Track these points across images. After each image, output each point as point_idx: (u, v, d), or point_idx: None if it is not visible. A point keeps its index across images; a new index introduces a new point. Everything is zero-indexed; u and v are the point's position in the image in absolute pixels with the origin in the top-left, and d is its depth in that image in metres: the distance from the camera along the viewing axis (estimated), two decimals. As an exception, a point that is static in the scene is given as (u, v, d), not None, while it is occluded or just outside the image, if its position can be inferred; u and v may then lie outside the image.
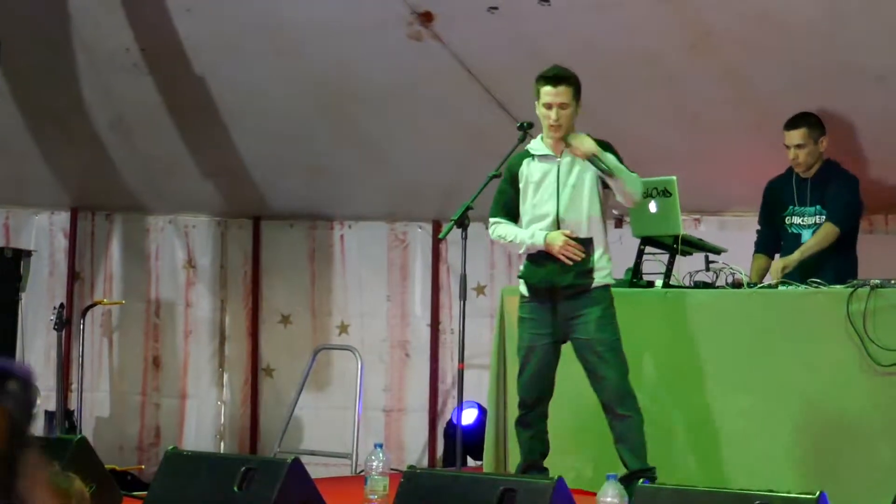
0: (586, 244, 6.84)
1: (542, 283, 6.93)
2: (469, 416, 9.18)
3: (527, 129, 7.02)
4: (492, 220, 7.11)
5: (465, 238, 6.89)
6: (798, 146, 7.84)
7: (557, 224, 6.87)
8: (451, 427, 9.62)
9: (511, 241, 7.01)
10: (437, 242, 10.42)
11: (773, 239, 8.05)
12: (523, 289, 7.05)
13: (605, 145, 6.87)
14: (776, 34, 8.08)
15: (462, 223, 6.85)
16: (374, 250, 10.70)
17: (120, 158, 10.30)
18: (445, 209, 9.83)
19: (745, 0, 7.96)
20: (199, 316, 10.89)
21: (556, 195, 6.89)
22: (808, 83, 8.27)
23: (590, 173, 6.86)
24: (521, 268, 7.08)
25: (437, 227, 10.42)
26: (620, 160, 6.86)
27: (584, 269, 6.84)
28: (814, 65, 8.19)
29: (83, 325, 10.00)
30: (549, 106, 6.86)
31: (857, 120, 8.42)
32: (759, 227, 8.15)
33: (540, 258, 6.92)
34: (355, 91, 9.43)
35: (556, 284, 6.87)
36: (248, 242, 10.91)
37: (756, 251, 8.08)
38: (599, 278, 6.88)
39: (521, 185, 7.02)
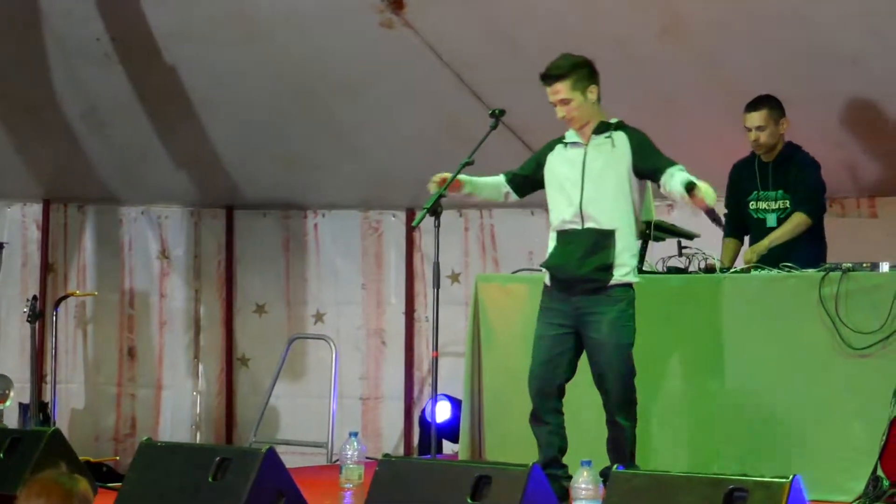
0: (607, 237, 6.67)
1: (559, 272, 6.78)
2: (443, 412, 9.16)
3: (499, 117, 7.00)
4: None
5: (437, 226, 6.83)
6: (759, 128, 7.81)
7: (580, 212, 6.72)
8: (426, 417, 9.62)
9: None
10: (410, 230, 10.41)
11: (741, 222, 8.06)
12: (546, 277, 6.89)
13: (639, 138, 6.77)
14: (747, 17, 8.09)
15: (435, 211, 6.79)
16: (348, 239, 10.69)
17: (92, 149, 10.28)
18: (419, 197, 9.76)
19: (718, -17, 7.99)
20: (174, 306, 10.88)
21: (581, 183, 6.74)
22: (780, 66, 8.27)
23: (621, 166, 6.71)
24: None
25: (410, 214, 10.41)
26: (655, 148, 6.76)
27: (605, 263, 6.67)
28: (786, 47, 8.20)
29: (56, 316, 9.97)
30: (553, 104, 6.77)
31: (830, 103, 8.43)
32: (727, 211, 8.16)
33: (562, 245, 6.78)
34: (327, 79, 9.43)
35: (574, 275, 6.71)
36: (222, 232, 10.89)
37: (725, 235, 8.09)
38: (619, 275, 6.68)
39: (545, 170, 6.91)
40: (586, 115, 6.76)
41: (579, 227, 6.72)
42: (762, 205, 7.91)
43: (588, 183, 6.72)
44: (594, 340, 6.70)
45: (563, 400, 6.84)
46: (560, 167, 6.85)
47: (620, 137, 6.76)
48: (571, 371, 6.80)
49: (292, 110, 9.74)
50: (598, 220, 6.69)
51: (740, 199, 8.01)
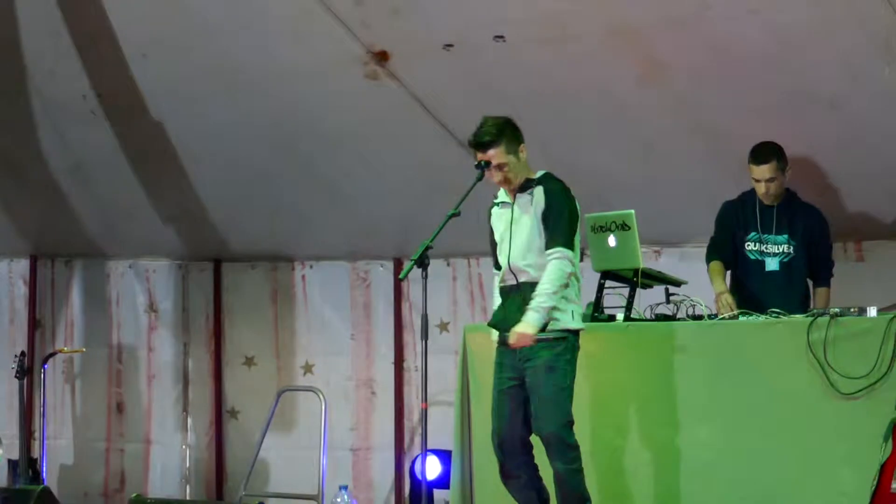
0: (534, 288, 6.85)
1: (501, 327, 6.99)
2: (432, 468, 9.10)
3: (485, 168, 7.01)
4: None
5: (425, 278, 6.85)
6: (769, 180, 7.86)
7: (510, 268, 6.99)
8: (416, 472, 9.58)
9: None
10: (398, 280, 10.41)
11: (730, 251, 8.03)
12: (494, 333, 7.11)
13: (550, 199, 6.91)
14: (727, 63, 8.11)
15: (422, 262, 6.82)
16: (336, 289, 10.67)
17: (79, 205, 10.28)
18: (406, 246, 9.84)
19: (695, 30, 8.00)
20: (162, 360, 10.85)
21: (509, 240, 6.99)
22: (761, 111, 8.30)
23: (539, 217, 6.92)
24: None
25: (398, 264, 10.41)
26: (557, 219, 6.87)
27: None
28: (766, 93, 8.23)
29: (45, 372, 9.95)
30: (478, 166, 6.95)
31: (812, 148, 8.45)
32: (713, 236, 8.14)
33: (502, 302, 7.03)
34: (313, 132, 9.44)
35: (510, 328, 6.88)
36: (210, 285, 10.88)
37: (712, 259, 8.08)
38: (555, 325, 6.86)
39: (493, 232, 7.17)
40: (519, 176, 6.99)
41: (514, 282, 6.98)
42: (762, 247, 7.92)
43: (515, 240, 6.96)
44: (529, 385, 6.87)
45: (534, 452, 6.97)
46: (495, 228, 7.14)
47: (538, 192, 6.96)
48: (527, 424, 6.95)
49: (278, 163, 9.75)
50: (529, 273, 6.91)
51: (735, 235, 8.00)
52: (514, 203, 7.01)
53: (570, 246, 6.88)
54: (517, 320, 6.83)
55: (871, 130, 8.32)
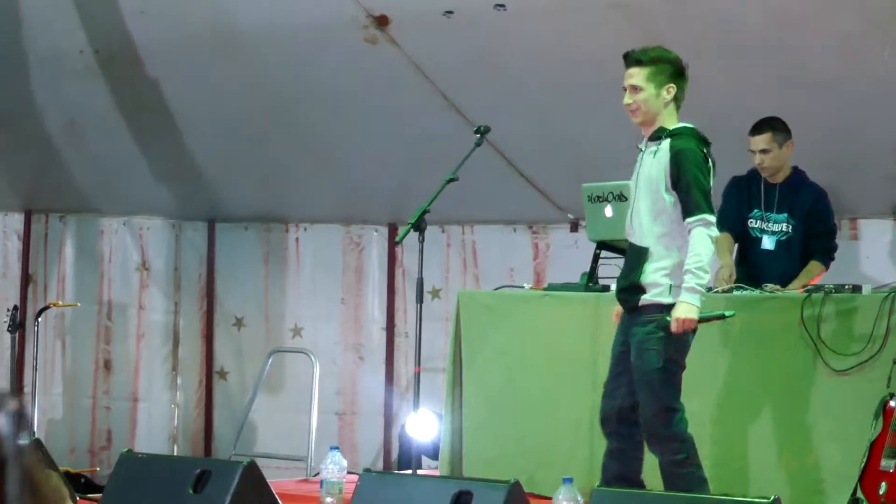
0: (640, 253, 6.26)
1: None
2: (427, 427, 8.95)
3: (484, 134, 7.02)
4: None
5: (422, 241, 6.83)
6: (763, 151, 7.78)
7: (631, 224, 6.36)
8: (407, 433, 9.56)
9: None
10: (392, 245, 10.41)
11: (738, 221, 7.89)
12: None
13: (678, 157, 6.17)
14: (725, 41, 8.13)
15: (419, 227, 6.79)
16: (329, 253, 10.67)
17: (73, 160, 10.27)
18: (401, 212, 9.84)
19: (695, 6, 8.01)
20: (152, 319, 10.85)
21: (635, 193, 6.35)
22: (758, 90, 8.32)
23: (659, 178, 6.20)
24: None
25: (392, 229, 10.41)
26: (690, 180, 6.12)
27: (634, 282, 6.26)
28: (763, 71, 8.25)
29: (37, 327, 9.95)
30: (623, 88, 6.29)
31: (807, 127, 8.43)
32: (721, 208, 7.91)
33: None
34: (311, 94, 9.43)
35: (618, 291, 6.42)
36: (203, 245, 10.89)
37: (720, 230, 7.78)
38: (651, 295, 6.21)
39: None
40: (651, 113, 6.28)
41: (631, 239, 6.39)
42: (762, 224, 7.89)
43: (638, 192, 6.33)
44: (630, 363, 6.32)
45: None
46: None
47: (664, 147, 6.25)
48: (632, 395, 6.34)
49: (275, 124, 9.75)
50: (638, 234, 6.32)
51: (739, 210, 7.92)
52: (644, 151, 6.33)
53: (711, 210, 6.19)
54: (619, 283, 6.38)
55: (869, 113, 8.34)
